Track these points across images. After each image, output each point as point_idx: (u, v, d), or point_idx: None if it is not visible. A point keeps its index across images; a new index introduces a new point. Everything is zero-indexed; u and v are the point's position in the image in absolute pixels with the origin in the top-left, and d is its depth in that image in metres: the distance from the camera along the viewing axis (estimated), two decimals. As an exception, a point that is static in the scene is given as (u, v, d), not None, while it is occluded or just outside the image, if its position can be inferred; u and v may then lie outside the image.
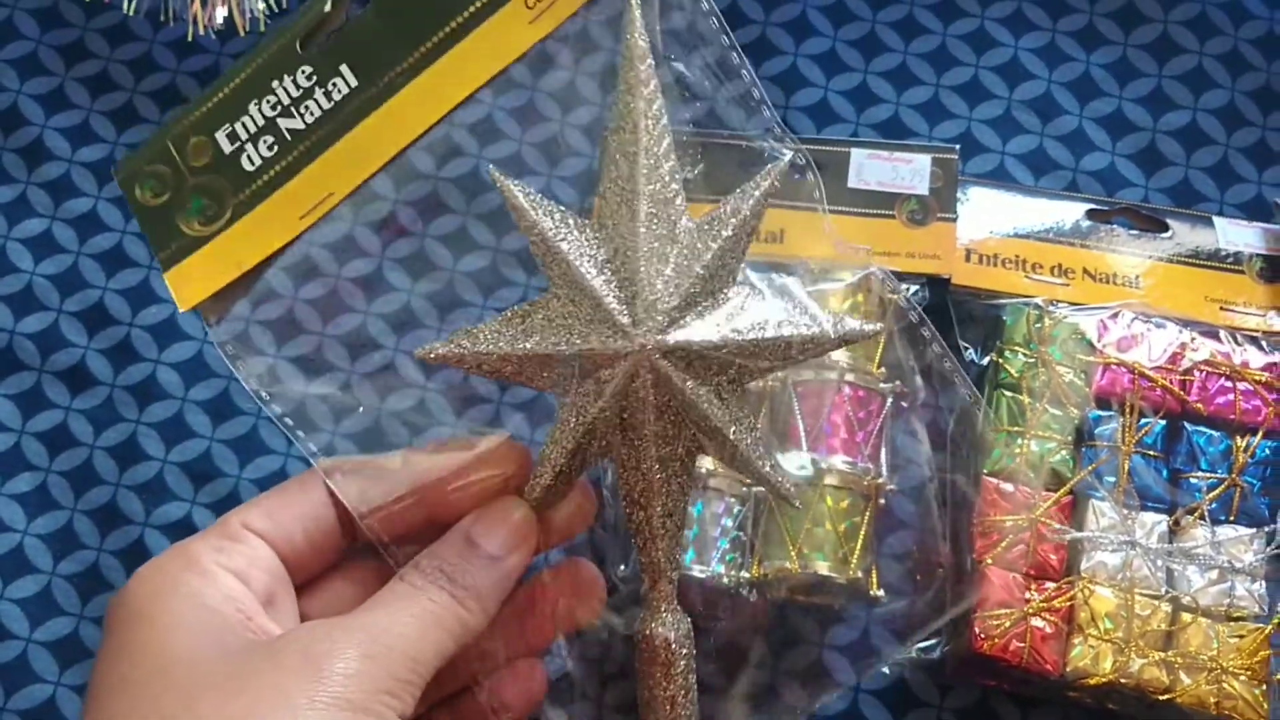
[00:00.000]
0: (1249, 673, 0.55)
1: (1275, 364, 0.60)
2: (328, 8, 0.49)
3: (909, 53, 0.73)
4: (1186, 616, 0.56)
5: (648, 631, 0.50)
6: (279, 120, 0.49)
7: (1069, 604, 0.56)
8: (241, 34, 0.67)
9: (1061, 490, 0.58)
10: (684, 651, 0.50)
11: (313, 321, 0.63)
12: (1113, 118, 0.71)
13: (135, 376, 0.67)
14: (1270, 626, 0.56)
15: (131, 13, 0.68)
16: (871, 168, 0.65)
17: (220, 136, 0.49)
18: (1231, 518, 0.58)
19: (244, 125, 0.49)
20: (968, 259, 0.64)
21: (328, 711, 0.42)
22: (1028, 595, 0.56)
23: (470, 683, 0.51)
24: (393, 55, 0.48)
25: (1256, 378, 0.60)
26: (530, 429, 0.61)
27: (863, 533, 0.57)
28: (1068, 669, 0.56)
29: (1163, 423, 0.59)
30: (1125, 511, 0.58)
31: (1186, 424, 0.59)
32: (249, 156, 0.49)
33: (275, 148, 0.49)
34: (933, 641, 0.59)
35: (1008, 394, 0.60)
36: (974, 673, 0.59)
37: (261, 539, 0.49)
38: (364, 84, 0.48)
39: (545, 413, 0.62)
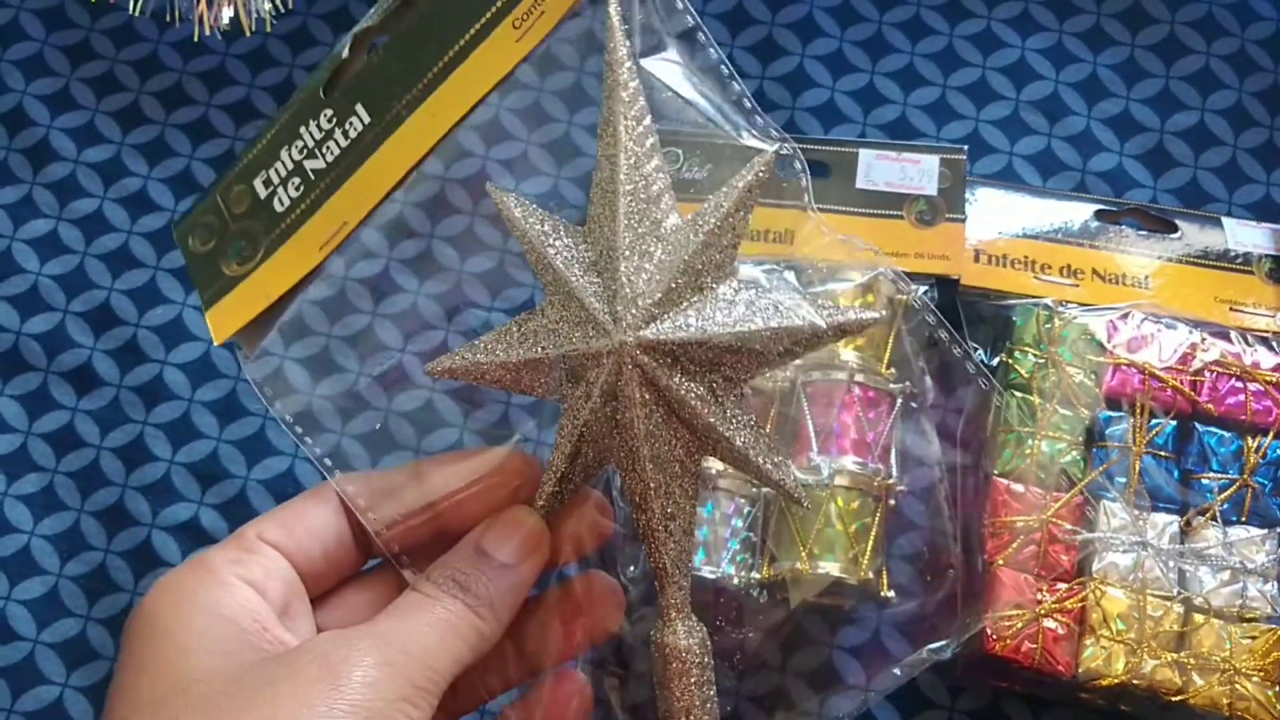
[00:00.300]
0: (1262, 674, 0.55)
1: (1286, 364, 0.60)
2: (345, 54, 0.51)
3: (916, 53, 0.73)
4: (1199, 617, 0.56)
5: (659, 640, 0.49)
6: (305, 162, 0.51)
7: (1081, 605, 0.56)
8: (247, 34, 0.67)
9: (1072, 491, 0.58)
10: (698, 660, 0.49)
11: (320, 323, 0.63)
12: (1120, 118, 0.71)
13: (142, 377, 0.67)
14: (1282, 627, 0.56)
15: (137, 13, 0.67)
16: (880, 168, 0.64)
17: (257, 184, 0.52)
18: (1243, 518, 0.58)
19: (276, 171, 0.51)
20: (976, 259, 0.64)
21: (346, 719, 0.42)
22: (1039, 596, 0.56)
23: (488, 698, 0.51)
24: (399, 89, 0.50)
25: (1267, 378, 0.60)
26: (539, 431, 0.61)
27: (873, 534, 0.57)
28: (1080, 670, 0.55)
29: (1173, 423, 0.59)
30: (1136, 512, 0.57)
31: (1197, 425, 0.59)
32: (279, 199, 0.51)
33: (301, 187, 0.51)
34: (944, 642, 0.59)
35: (1018, 395, 0.60)
36: (985, 674, 0.59)
37: (277, 551, 0.49)
38: (375, 119, 0.50)
39: (554, 415, 0.62)
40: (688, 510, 0.49)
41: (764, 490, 0.58)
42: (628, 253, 0.47)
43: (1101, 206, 0.66)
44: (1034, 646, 0.56)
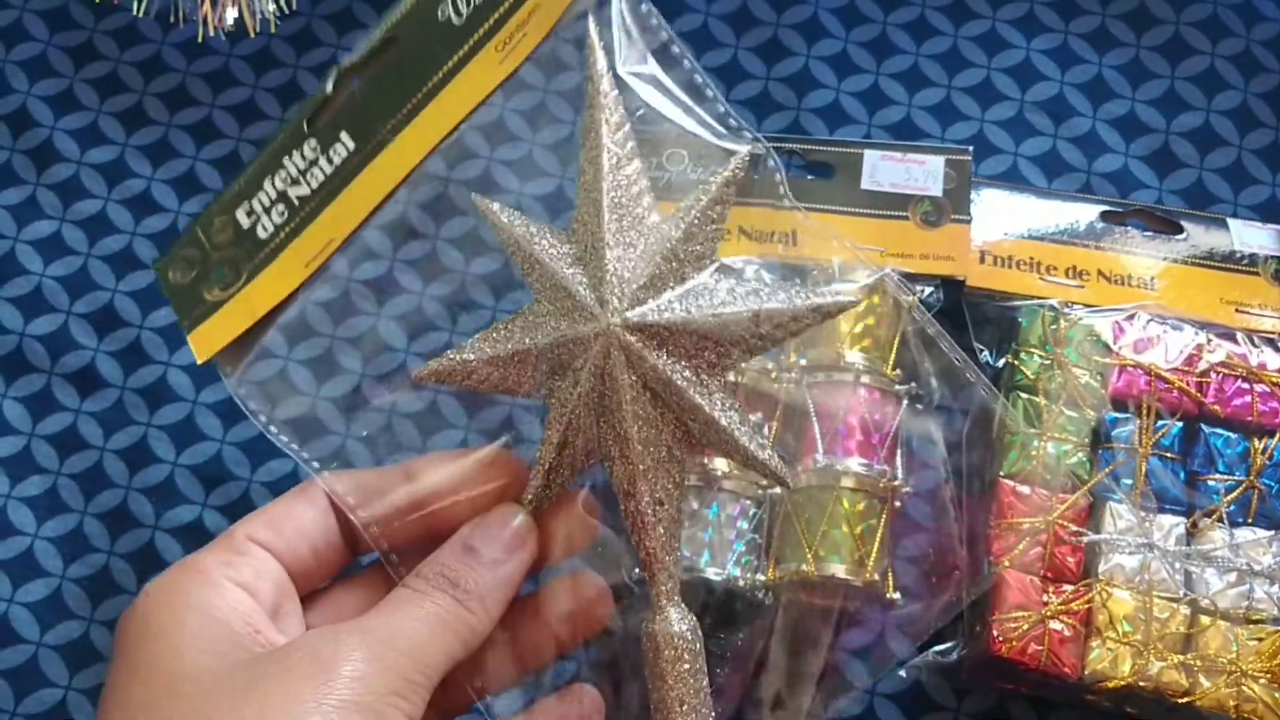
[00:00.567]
0: (1269, 675, 0.55)
1: (1292, 366, 0.60)
2: (329, 88, 0.52)
3: (921, 54, 0.72)
4: (1205, 619, 0.56)
5: (650, 629, 0.50)
6: (289, 190, 0.53)
7: (1087, 607, 0.56)
8: (251, 35, 0.67)
9: (1079, 493, 0.58)
10: (690, 648, 0.49)
11: (324, 324, 0.63)
12: (1126, 119, 0.71)
13: (145, 379, 0.67)
14: (1289, 629, 0.56)
15: (141, 14, 0.67)
16: (885, 169, 0.64)
17: (239, 214, 0.53)
18: (1249, 520, 0.58)
19: (259, 200, 0.53)
20: (982, 261, 0.63)
21: (336, 714, 0.42)
22: (1045, 598, 0.56)
23: (478, 697, 0.51)
24: (384, 115, 0.52)
25: (1273, 379, 0.60)
26: (542, 430, 0.61)
27: (879, 535, 0.57)
28: (1086, 672, 0.55)
29: (1180, 425, 0.59)
30: (1143, 514, 0.57)
31: (1204, 426, 0.59)
32: (263, 226, 0.53)
33: (285, 213, 0.53)
34: (949, 645, 0.59)
35: (1024, 396, 0.60)
36: (991, 676, 0.59)
37: (267, 551, 0.49)
38: (360, 144, 0.52)
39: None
40: (675, 497, 0.50)
41: (769, 492, 0.58)
42: (612, 243, 0.49)
43: (1107, 207, 0.66)
44: (1040, 648, 0.55)
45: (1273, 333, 0.62)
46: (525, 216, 0.51)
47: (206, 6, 0.66)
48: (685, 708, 0.49)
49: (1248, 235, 0.65)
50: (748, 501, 0.57)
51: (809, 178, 0.66)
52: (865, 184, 0.64)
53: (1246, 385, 0.60)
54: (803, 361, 0.58)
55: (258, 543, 0.49)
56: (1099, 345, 0.60)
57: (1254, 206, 0.69)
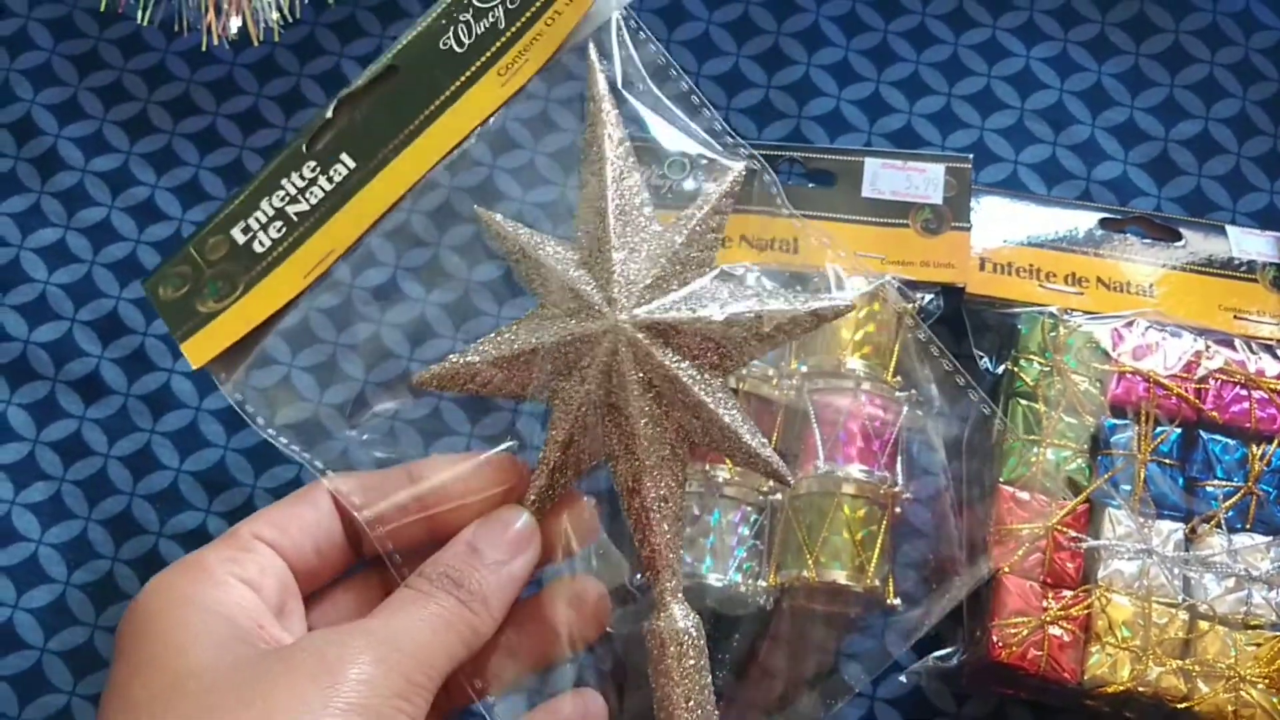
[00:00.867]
0: (1267, 681, 0.55)
1: (1290, 372, 0.60)
2: (329, 114, 0.54)
3: (921, 62, 0.73)
4: (1204, 625, 0.56)
5: (654, 627, 0.50)
6: (287, 208, 0.54)
7: (1086, 612, 0.56)
8: (255, 44, 0.67)
9: (1078, 499, 0.58)
10: (695, 645, 0.50)
11: (327, 331, 0.64)
12: (1125, 127, 0.71)
13: (149, 386, 0.67)
14: (1287, 635, 0.56)
15: (145, 23, 0.68)
16: (885, 177, 0.65)
17: (235, 232, 0.54)
18: (1248, 526, 0.58)
19: (255, 219, 0.54)
20: (982, 268, 0.64)
21: (342, 716, 0.42)
22: (1045, 603, 0.56)
23: (476, 696, 0.51)
24: (385, 136, 0.54)
25: (1272, 386, 0.60)
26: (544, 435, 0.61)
27: (879, 541, 0.57)
28: (1085, 677, 0.56)
29: (1178, 431, 0.59)
30: (1141, 520, 0.58)
31: (1202, 432, 0.59)
32: (259, 242, 0.54)
33: (283, 229, 0.54)
34: (949, 650, 0.59)
35: (1023, 403, 0.60)
36: (991, 681, 0.59)
37: (272, 549, 0.49)
38: (361, 164, 0.54)
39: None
40: (678, 495, 0.51)
41: (770, 498, 0.58)
42: (617, 245, 0.50)
43: (1106, 215, 0.66)
44: (1039, 654, 0.56)
45: (1271, 339, 0.62)
46: (526, 227, 0.53)
47: (210, 15, 0.66)
48: (691, 703, 0.49)
49: (1246, 242, 0.65)
50: (749, 508, 0.58)
51: (810, 186, 0.66)
52: (866, 192, 0.65)
53: (1245, 392, 0.60)
54: (804, 368, 0.59)
55: (263, 540, 0.49)
56: (1098, 352, 0.61)
57: (1252, 214, 0.69)
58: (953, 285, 0.63)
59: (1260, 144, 0.71)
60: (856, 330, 0.59)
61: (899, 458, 0.58)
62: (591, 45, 0.55)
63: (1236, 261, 0.64)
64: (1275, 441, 0.59)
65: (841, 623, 0.60)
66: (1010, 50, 0.73)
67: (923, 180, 0.64)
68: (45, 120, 0.72)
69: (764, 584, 0.57)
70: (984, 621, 0.57)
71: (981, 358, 0.63)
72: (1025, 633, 0.56)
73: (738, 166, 0.55)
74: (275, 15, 0.67)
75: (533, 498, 0.51)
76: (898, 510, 0.58)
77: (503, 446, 0.53)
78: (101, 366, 0.67)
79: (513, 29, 0.54)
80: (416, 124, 0.54)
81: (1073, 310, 0.62)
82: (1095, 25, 0.73)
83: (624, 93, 0.55)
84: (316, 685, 0.42)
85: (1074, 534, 0.58)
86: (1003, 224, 0.65)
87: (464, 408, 0.62)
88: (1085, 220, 0.65)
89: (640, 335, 0.49)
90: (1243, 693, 0.55)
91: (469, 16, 0.54)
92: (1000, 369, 0.62)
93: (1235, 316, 0.63)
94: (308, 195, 0.54)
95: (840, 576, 0.56)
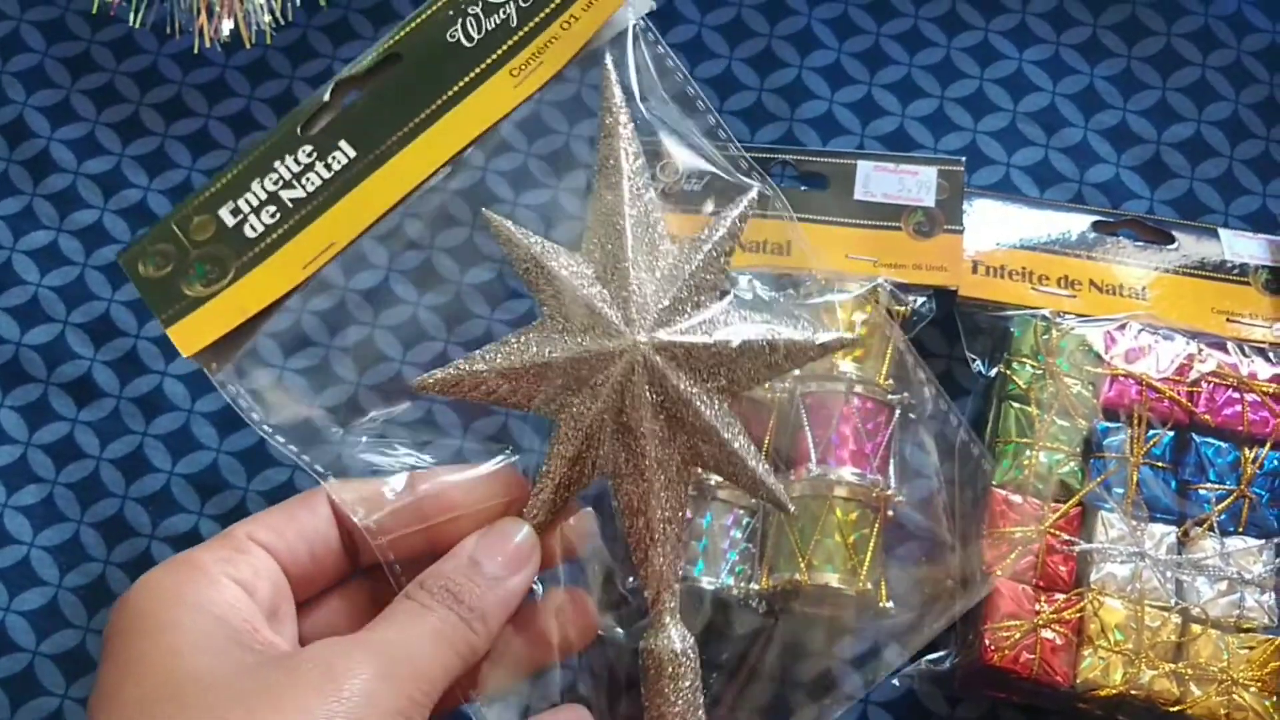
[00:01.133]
0: (1259, 684, 0.55)
1: (1282, 375, 0.60)
2: (326, 97, 0.53)
3: (914, 65, 0.73)
4: (1196, 628, 0.56)
5: (653, 646, 0.50)
6: (281, 192, 0.52)
7: (1079, 615, 0.56)
8: (247, 46, 0.67)
9: (1070, 502, 0.58)
10: (690, 669, 0.50)
11: (319, 334, 0.63)
12: (1117, 130, 0.71)
13: (142, 388, 0.67)
14: (1280, 638, 0.56)
15: (137, 25, 0.68)
16: (878, 180, 0.65)
17: (223, 213, 0.52)
18: (1240, 529, 0.58)
19: (246, 200, 0.52)
20: (974, 271, 0.64)
21: None
22: (1037, 607, 0.57)
23: (464, 699, 0.51)
24: (389, 128, 0.53)
25: (1264, 389, 0.60)
26: (540, 441, 0.61)
27: (872, 544, 0.57)
28: (1078, 680, 0.56)
29: (1171, 434, 0.59)
30: (1134, 523, 0.58)
31: (1195, 435, 0.59)
32: (251, 225, 0.52)
33: (277, 215, 0.52)
34: (942, 653, 0.59)
35: (1015, 405, 0.60)
36: (983, 685, 0.59)
37: (266, 551, 0.48)
38: (362, 154, 0.53)
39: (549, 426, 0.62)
40: (680, 517, 0.51)
41: (762, 502, 0.58)
42: (634, 265, 0.50)
43: (1099, 217, 0.66)
44: (1032, 657, 0.56)
45: (1263, 342, 0.62)
46: (534, 234, 0.52)
47: (203, 18, 0.66)
48: None
49: (1238, 245, 0.65)
50: (741, 511, 0.58)
51: (802, 188, 0.66)
52: (858, 194, 0.65)
53: (1237, 395, 0.60)
54: (796, 371, 0.59)
55: (258, 542, 0.48)
56: (1091, 355, 0.61)
57: (1245, 217, 0.70)
58: (945, 288, 0.63)
59: (1252, 147, 0.71)
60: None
61: (891, 461, 0.58)
62: (609, 56, 0.54)
63: (1229, 264, 0.64)
64: (1268, 444, 0.59)
65: (834, 626, 0.60)
66: (1002, 53, 0.73)
67: (915, 183, 0.64)
68: (37, 122, 0.72)
69: (756, 587, 0.57)
70: (976, 625, 0.57)
71: (974, 361, 0.63)
72: (1018, 636, 0.56)
73: (752, 190, 0.54)
74: (267, 18, 0.67)
75: (535, 512, 0.50)
76: (890, 513, 0.58)
77: (499, 458, 0.53)
78: (93, 369, 0.67)
79: (526, 28, 0.53)
80: (422, 118, 0.53)
81: (1065, 313, 0.62)
82: (1087, 28, 0.73)
83: (637, 104, 0.55)
84: (322, 698, 0.42)
85: (1066, 537, 0.58)
86: (995, 227, 0.65)
87: (457, 411, 0.62)
88: (1078, 223, 0.65)
89: (657, 358, 0.49)
90: (1235, 696, 0.55)
91: (478, 10, 0.53)
92: (993, 372, 0.62)
93: (1228, 319, 0.63)
94: (304, 181, 0.52)
95: (833, 579, 0.56)
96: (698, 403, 0.49)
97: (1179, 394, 0.60)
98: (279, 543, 0.49)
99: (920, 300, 0.62)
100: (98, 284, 0.69)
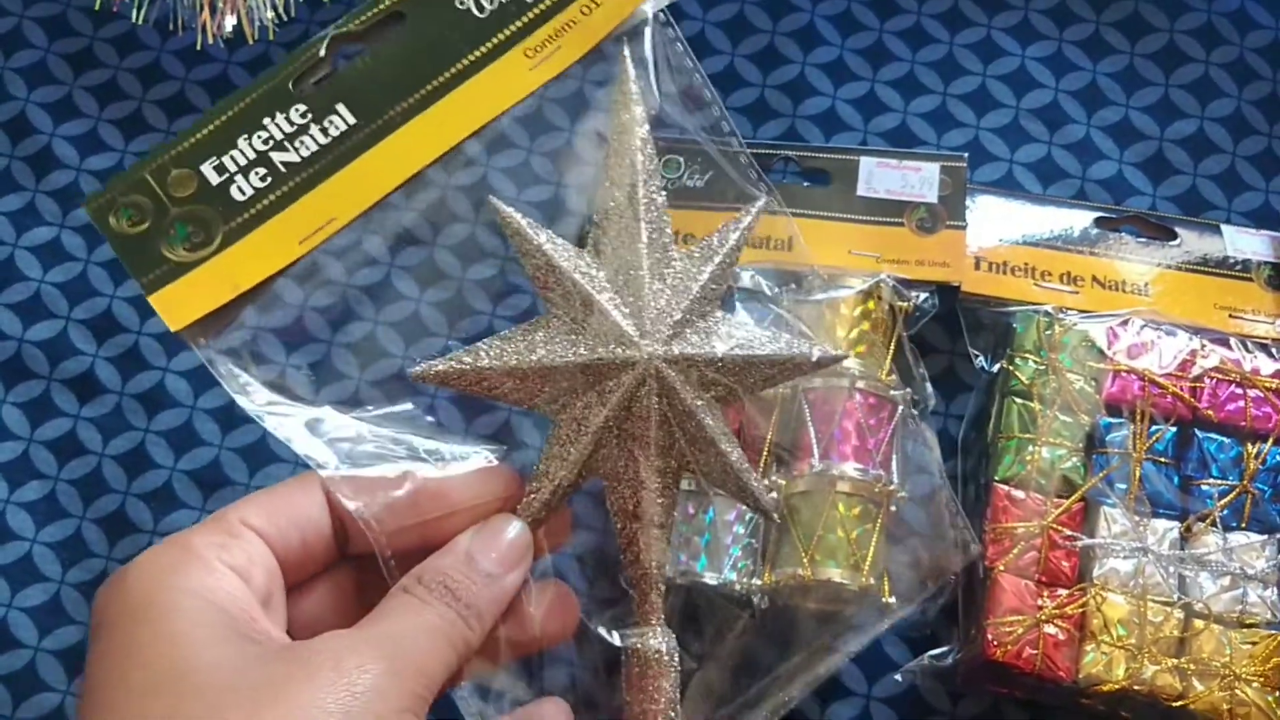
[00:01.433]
0: (1262, 679, 0.55)
1: (1285, 371, 0.60)
2: (322, 52, 0.51)
3: (917, 61, 0.73)
4: (1199, 623, 0.56)
5: (640, 645, 0.50)
6: (271, 154, 0.50)
7: (1081, 611, 0.56)
8: (250, 42, 0.67)
9: (1073, 497, 0.58)
10: (674, 666, 0.50)
11: (321, 330, 0.63)
12: (1120, 126, 0.71)
13: (144, 384, 0.67)
14: (1283, 633, 0.56)
15: (140, 22, 0.68)
16: (881, 176, 0.65)
17: (206, 169, 0.50)
18: (1243, 524, 0.58)
19: (233, 158, 0.50)
20: (977, 267, 0.64)
21: None
22: (1040, 602, 0.56)
23: (450, 684, 0.51)
24: (392, 96, 0.51)
25: (1267, 384, 0.60)
26: (541, 437, 0.61)
27: (874, 540, 0.57)
28: (1080, 676, 0.56)
29: (1174, 429, 0.59)
30: (1136, 518, 0.58)
31: (1197, 431, 0.59)
32: (239, 187, 0.50)
33: (268, 179, 0.50)
34: (945, 649, 0.59)
35: (1018, 401, 0.60)
36: (986, 680, 0.59)
37: (260, 537, 0.48)
38: (362, 121, 0.51)
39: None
40: (671, 521, 0.51)
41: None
42: (649, 275, 0.50)
43: (1101, 214, 0.66)
44: (1035, 652, 0.56)
45: (1266, 338, 0.62)
46: (545, 229, 0.51)
47: (205, 14, 0.66)
48: (668, 717, 0.50)
49: (1241, 241, 0.65)
50: (743, 506, 0.58)
51: (805, 185, 0.66)
52: (861, 191, 0.65)
53: (1240, 390, 0.60)
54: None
55: (251, 528, 0.47)
56: (1093, 350, 0.61)
57: (1247, 213, 0.70)
58: (948, 284, 0.63)
59: (1255, 143, 0.71)
60: (851, 329, 0.59)
61: (894, 456, 0.58)
62: (627, 53, 0.53)
63: (1231, 260, 0.64)
64: (1270, 440, 0.59)
65: (837, 621, 0.60)
66: (1005, 49, 0.73)
67: (918, 179, 0.64)
68: (40, 119, 0.72)
69: (759, 582, 0.57)
70: (979, 620, 0.57)
71: (976, 356, 0.63)
72: (1020, 631, 0.56)
73: (760, 200, 0.54)
74: (270, 14, 0.67)
75: (532, 511, 0.50)
76: (893, 509, 0.58)
77: (498, 453, 0.52)
78: (96, 365, 0.67)
79: (542, 6, 0.52)
80: (429, 90, 0.51)
81: (1068, 309, 0.62)
82: (1090, 25, 0.73)
83: (653, 98, 0.54)
84: (335, 693, 0.42)
85: (1069, 532, 0.58)
86: (998, 223, 0.65)
87: (459, 407, 0.62)
88: (1080, 219, 0.65)
89: (670, 371, 0.49)
90: (1238, 691, 0.55)
91: None
92: (995, 368, 0.62)
93: (1230, 315, 0.63)
94: (297, 144, 0.50)
95: (836, 575, 0.56)
96: (701, 415, 0.50)
97: (1181, 389, 0.60)
98: (271, 528, 0.48)
99: (923, 296, 0.62)
100: (100, 280, 0.69)
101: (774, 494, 0.58)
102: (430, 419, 0.59)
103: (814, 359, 0.52)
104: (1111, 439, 0.59)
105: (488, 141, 0.64)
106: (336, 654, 0.43)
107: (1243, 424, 0.59)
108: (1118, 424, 0.59)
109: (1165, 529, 0.58)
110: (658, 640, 0.50)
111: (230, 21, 0.66)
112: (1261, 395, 0.60)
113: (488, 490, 0.51)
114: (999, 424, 0.60)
